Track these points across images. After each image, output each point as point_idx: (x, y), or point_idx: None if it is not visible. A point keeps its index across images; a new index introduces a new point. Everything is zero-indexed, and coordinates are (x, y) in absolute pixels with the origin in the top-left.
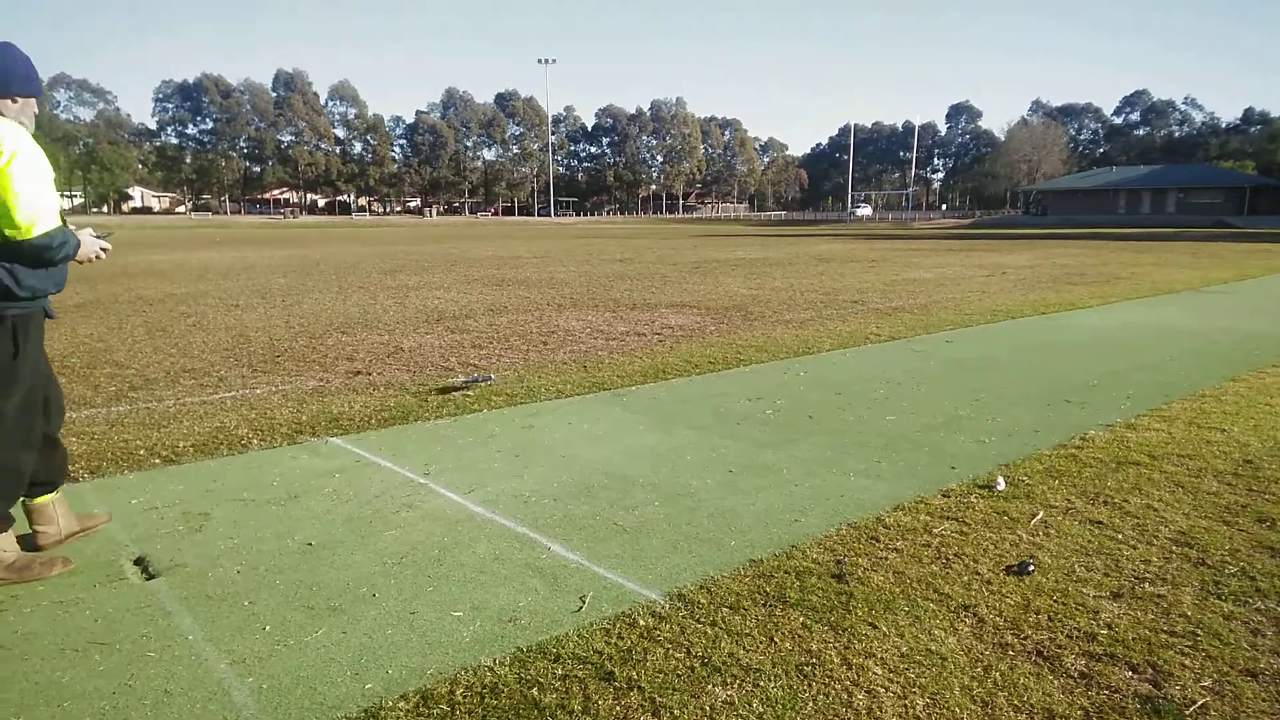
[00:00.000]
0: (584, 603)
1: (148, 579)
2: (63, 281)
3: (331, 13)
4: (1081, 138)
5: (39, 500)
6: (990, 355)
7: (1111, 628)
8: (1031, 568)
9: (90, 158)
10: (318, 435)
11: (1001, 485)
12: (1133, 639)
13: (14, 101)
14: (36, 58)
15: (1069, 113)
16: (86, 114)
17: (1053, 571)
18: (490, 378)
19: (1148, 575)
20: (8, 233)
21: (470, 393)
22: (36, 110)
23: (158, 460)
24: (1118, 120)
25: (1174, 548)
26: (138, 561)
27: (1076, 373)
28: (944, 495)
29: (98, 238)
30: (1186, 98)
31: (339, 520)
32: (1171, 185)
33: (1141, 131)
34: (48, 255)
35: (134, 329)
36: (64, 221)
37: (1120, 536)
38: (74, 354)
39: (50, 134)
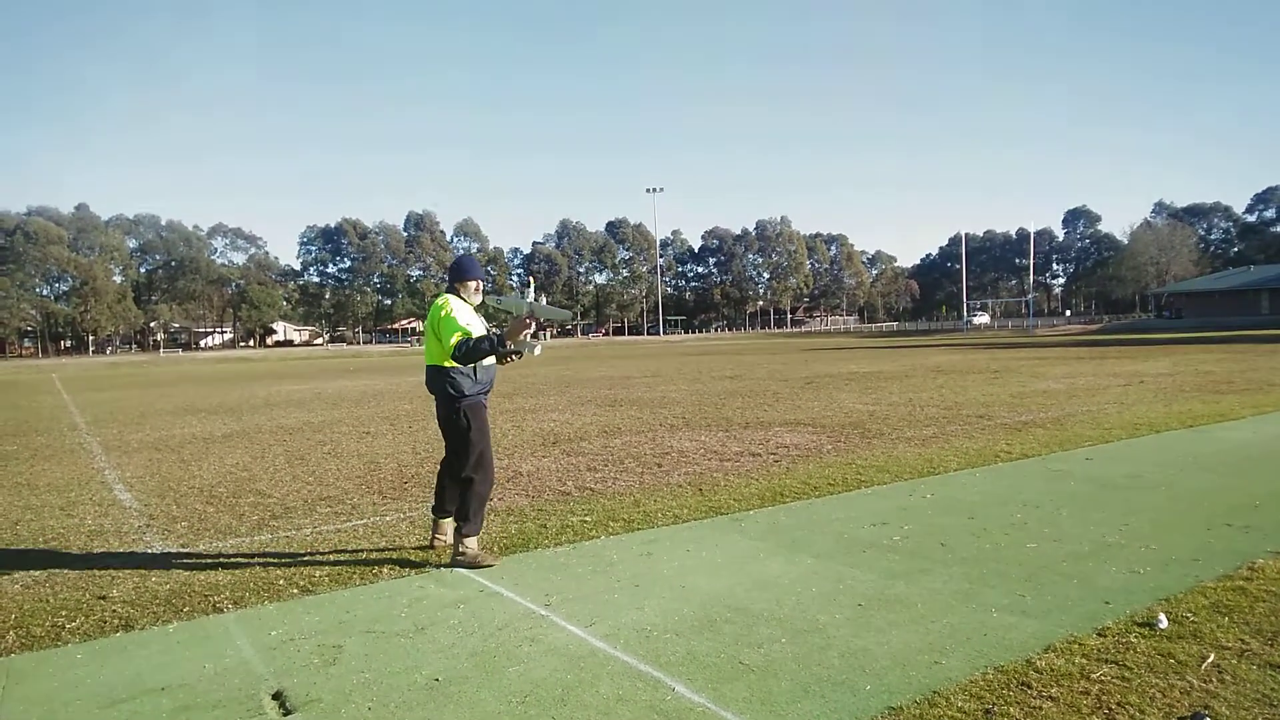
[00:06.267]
0: None
1: (284, 714)
2: (489, 383)
3: (461, 159)
4: (1212, 237)
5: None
6: (1136, 473)
7: None
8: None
9: (241, 297)
10: (443, 564)
11: (1164, 623)
12: None
13: (471, 283)
14: (199, 214)
15: (1195, 212)
16: (239, 258)
17: None
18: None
19: None
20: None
21: (585, 517)
22: (479, 287)
23: (295, 590)
24: (1250, 218)
25: None
26: (276, 696)
27: (1235, 493)
28: (1099, 634)
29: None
30: None
31: (464, 654)
32: None
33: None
34: (467, 356)
35: (275, 457)
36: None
37: None
38: (221, 483)
39: (207, 276)
